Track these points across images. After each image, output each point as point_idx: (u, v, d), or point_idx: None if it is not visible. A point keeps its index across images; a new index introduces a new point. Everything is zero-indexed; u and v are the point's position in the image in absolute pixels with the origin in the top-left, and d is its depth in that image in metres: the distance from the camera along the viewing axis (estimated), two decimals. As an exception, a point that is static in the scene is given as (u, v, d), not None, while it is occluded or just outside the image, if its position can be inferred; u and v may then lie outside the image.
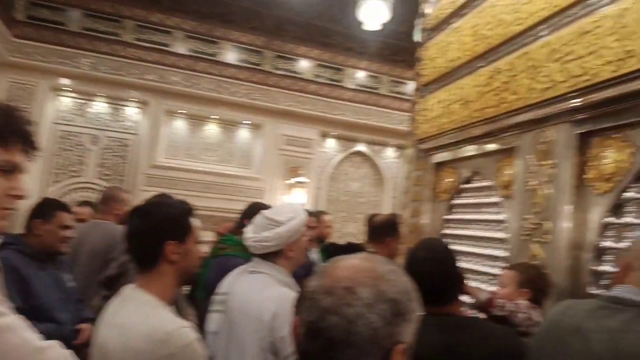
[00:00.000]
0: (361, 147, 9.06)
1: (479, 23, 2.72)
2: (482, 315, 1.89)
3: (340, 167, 9.07)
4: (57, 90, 7.30)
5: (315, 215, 4.64)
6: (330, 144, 8.91)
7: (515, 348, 1.49)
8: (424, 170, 3.38)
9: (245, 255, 2.45)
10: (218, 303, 1.98)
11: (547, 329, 1.39)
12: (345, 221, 9.04)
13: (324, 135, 8.75)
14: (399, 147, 9.00)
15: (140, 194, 7.18)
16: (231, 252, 2.80)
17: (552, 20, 2.17)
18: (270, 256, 1.91)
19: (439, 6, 3.25)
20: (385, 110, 8.64)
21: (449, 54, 3.02)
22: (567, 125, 2.08)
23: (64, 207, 2.62)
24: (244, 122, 8.21)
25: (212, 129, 8.14)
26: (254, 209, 2.94)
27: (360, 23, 6.68)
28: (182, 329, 1.33)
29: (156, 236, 1.44)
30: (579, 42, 1.98)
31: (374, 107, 8.63)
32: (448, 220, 3.15)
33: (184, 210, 1.54)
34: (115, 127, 7.58)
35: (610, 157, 1.93)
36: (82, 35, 7.11)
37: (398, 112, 8.44)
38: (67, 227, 2.54)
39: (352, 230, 8.87)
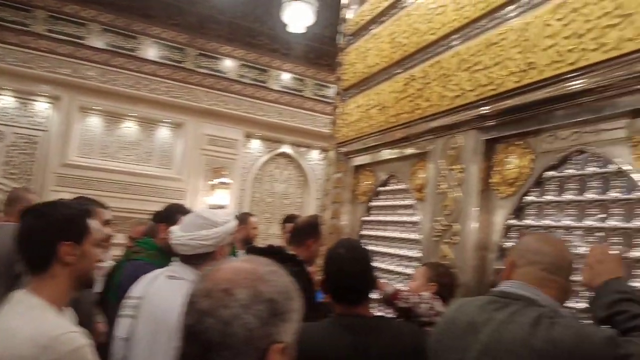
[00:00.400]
0: (286, 149, 9.07)
1: (396, 31, 2.80)
2: (387, 308, 1.99)
3: (265, 168, 9.02)
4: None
5: (241, 217, 4.60)
6: (255, 144, 8.83)
7: (423, 345, 1.54)
8: (344, 172, 3.42)
9: (158, 261, 2.36)
10: (129, 308, 1.88)
11: (443, 326, 1.46)
12: (270, 223, 9.00)
13: (249, 136, 8.66)
14: (324, 150, 9.09)
15: (50, 195, 6.72)
16: (145, 256, 2.69)
17: (463, 31, 2.28)
18: (197, 258, 1.84)
19: (359, 12, 3.30)
20: (309, 112, 8.72)
21: (368, 59, 3.08)
22: (474, 132, 2.18)
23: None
24: (164, 120, 7.94)
25: (130, 127, 7.79)
26: (170, 211, 2.85)
27: (285, 25, 6.69)
28: (70, 333, 1.26)
29: (49, 236, 1.37)
30: (486, 53, 2.08)
31: (299, 109, 8.68)
32: (366, 222, 3.20)
33: (81, 211, 1.48)
34: (23, 123, 7.04)
35: (513, 162, 2.04)
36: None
37: (322, 115, 8.54)
38: None
39: (276, 231, 8.82)
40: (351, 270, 1.61)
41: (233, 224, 1.96)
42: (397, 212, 2.90)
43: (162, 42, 7.66)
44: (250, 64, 8.35)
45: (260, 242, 8.54)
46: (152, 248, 2.74)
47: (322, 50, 8.31)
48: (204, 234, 1.84)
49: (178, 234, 1.88)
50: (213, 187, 7.97)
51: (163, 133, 8.04)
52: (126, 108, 7.57)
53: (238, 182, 8.41)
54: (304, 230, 2.83)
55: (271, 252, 2.69)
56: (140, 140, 7.86)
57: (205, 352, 0.79)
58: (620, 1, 1.53)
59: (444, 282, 2.09)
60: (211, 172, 8.08)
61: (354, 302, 1.63)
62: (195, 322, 0.80)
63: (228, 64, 8.16)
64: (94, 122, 7.55)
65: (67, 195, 6.84)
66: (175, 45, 7.74)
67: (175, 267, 1.92)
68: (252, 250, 4.07)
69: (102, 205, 2.69)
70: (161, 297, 1.82)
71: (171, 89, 7.66)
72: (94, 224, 1.50)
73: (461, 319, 1.39)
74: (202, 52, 7.94)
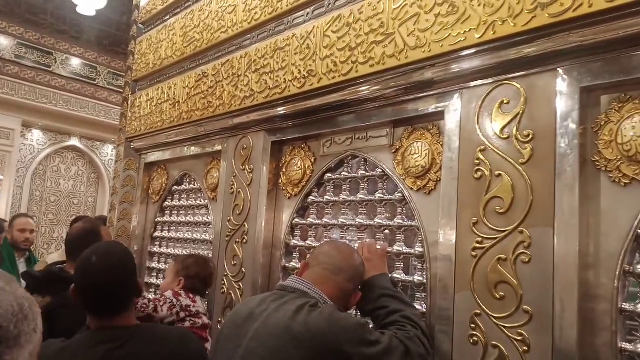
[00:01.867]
0: (75, 142, 8.15)
1: (188, 24, 2.71)
2: None
3: (47, 162, 7.96)
4: None
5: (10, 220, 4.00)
6: (36, 135, 7.74)
7: (186, 349, 1.53)
8: (135, 169, 3.20)
9: None
10: None
11: (228, 318, 1.53)
12: (54, 225, 8.00)
13: (28, 126, 7.54)
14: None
15: None
16: None
17: (252, 32, 2.30)
18: None
19: (152, 1, 3.12)
20: (103, 103, 7.98)
21: (161, 51, 2.93)
22: (264, 133, 2.23)
23: None
24: None
25: None
26: None
27: (75, 5, 6.00)
28: None
29: None
30: (274, 56, 2.13)
31: (91, 99, 7.87)
32: (159, 223, 3.04)
33: None
34: None
35: (297, 164, 2.14)
36: None
37: (118, 107, 7.89)
38: None
39: (63, 235, 7.88)
40: (106, 282, 1.44)
41: None
42: (192, 213, 2.82)
43: None
44: (31, 44, 7.27)
45: (42, 248, 7.53)
46: None
47: (119, 37, 7.67)
48: None
49: None
50: (-21, 183, 6.75)
51: None
52: None
53: (13, 178, 7.26)
54: (79, 242, 2.24)
55: (48, 279, 2.27)
56: None
57: None
58: (384, 20, 1.70)
59: (191, 274, 2.15)
60: (-23, 166, 6.83)
61: (111, 314, 1.47)
62: None
63: (2, 42, 6.97)
64: None
65: None
66: None
67: None
68: (27, 276, 3.39)
69: None
70: None
71: None
72: None
73: (243, 310, 1.46)
74: (-37, 23, 6.65)
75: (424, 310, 1.60)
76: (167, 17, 2.97)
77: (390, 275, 1.65)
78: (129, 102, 3.24)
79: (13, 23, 7.02)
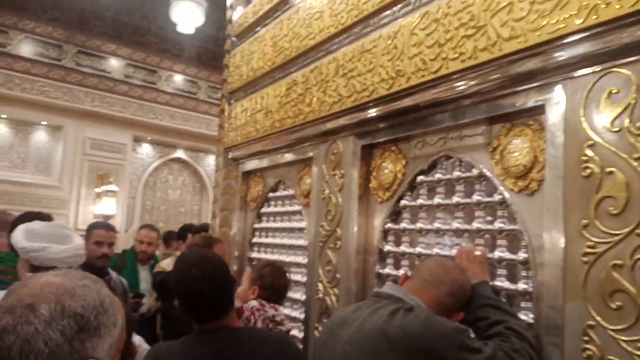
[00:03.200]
0: (180, 154, 8.72)
1: (278, 34, 2.77)
2: None
3: (157, 174, 8.59)
4: None
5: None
6: (146, 149, 8.39)
7: (286, 351, 1.62)
8: (234, 178, 3.33)
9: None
10: None
11: (325, 326, 1.58)
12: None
13: (138, 140, 8.20)
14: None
15: None
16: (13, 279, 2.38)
17: (339, 37, 2.29)
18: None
19: (243, 14, 3.23)
20: (204, 116, 8.45)
21: (253, 62, 3.02)
22: (353, 137, 2.21)
23: None
24: (40, 122, 7.26)
25: (0, 130, 7.03)
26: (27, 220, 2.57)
27: (175, 24, 6.43)
28: None
29: None
30: (360, 59, 2.11)
31: (193, 112, 8.38)
32: (257, 229, 3.14)
33: None
34: None
35: (388, 168, 2.09)
36: None
37: (218, 119, 8.32)
38: None
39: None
40: (210, 290, 1.54)
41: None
42: (287, 218, 2.87)
43: (37, 37, 7.00)
44: (138, 64, 7.91)
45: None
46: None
47: (216, 52, 8.09)
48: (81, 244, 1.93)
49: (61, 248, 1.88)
50: (99, 195, 7.43)
51: (39, 136, 7.36)
52: (-5, 109, 6.82)
53: (127, 189, 7.92)
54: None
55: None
56: (13, 145, 7.12)
57: None
58: (474, 13, 1.61)
59: (266, 283, 2.15)
60: (96, 178, 7.53)
61: (217, 319, 1.57)
62: None
63: (113, 64, 7.66)
64: (-44, 124, 6.73)
65: None
66: (52, 41, 7.11)
67: None
68: (157, 274, 3.78)
69: None
70: None
71: (48, 89, 7.02)
72: None
73: (338, 317, 1.50)
74: (82, 49, 7.37)
75: (530, 320, 1.48)
76: (258, 28, 3.06)
77: (491, 284, 1.55)
78: (226, 114, 3.38)
79: (121, 45, 7.69)
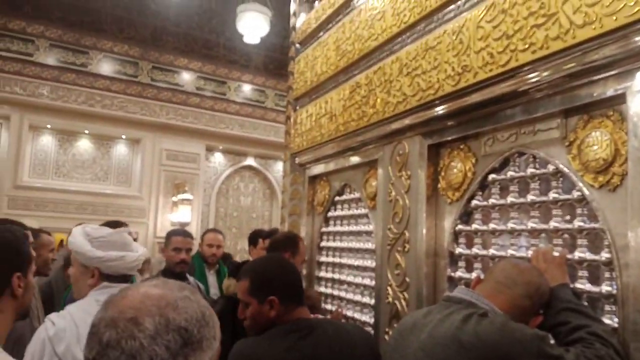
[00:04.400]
0: (250, 161, 8.96)
1: (340, 38, 2.77)
2: None
3: (229, 182, 8.89)
4: None
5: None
6: (218, 158, 8.70)
7: (367, 339, 1.79)
8: (301, 183, 3.36)
9: None
10: None
11: (394, 331, 1.55)
12: (237, 237, 8.86)
13: (210, 149, 8.53)
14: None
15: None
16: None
17: (402, 36, 2.26)
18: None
19: (306, 20, 3.27)
20: (272, 123, 8.65)
21: (317, 67, 3.05)
22: (419, 137, 2.16)
23: None
24: (120, 136, 7.74)
25: (84, 145, 7.57)
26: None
27: (242, 36, 6.63)
28: None
29: (3, 268, 1.26)
30: (425, 57, 2.06)
31: (261, 121, 8.60)
32: (324, 233, 3.15)
33: (24, 238, 1.36)
34: (-30, 146, 6.78)
35: (457, 167, 2.02)
36: None
37: (284, 126, 8.47)
38: None
39: (245, 246, 8.67)
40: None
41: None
42: (353, 222, 2.86)
43: (115, 56, 7.48)
44: (208, 76, 8.24)
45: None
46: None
47: (282, 60, 8.27)
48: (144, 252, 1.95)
49: (133, 255, 1.91)
50: (175, 203, 7.79)
51: (120, 150, 7.84)
52: (80, 125, 7.35)
53: (201, 197, 8.25)
54: (280, 244, 2.75)
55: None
56: (96, 158, 7.65)
57: None
58: (544, 1, 1.52)
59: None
60: (172, 187, 7.90)
61: (302, 304, 1.76)
62: (97, 354, 0.73)
63: (185, 77, 8.03)
64: (47, 140, 7.31)
65: (21, 219, 6.59)
66: (128, 59, 7.57)
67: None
68: (230, 264, 3.96)
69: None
70: None
71: (126, 104, 7.48)
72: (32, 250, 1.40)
73: (408, 321, 1.46)
74: (156, 65, 7.78)
75: (615, 325, 1.36)
76: (321, 33, 3.08)
77: (571, 286, 1.46)
78: (292, 120, 3.43)
79: (192, 59, 8.05)
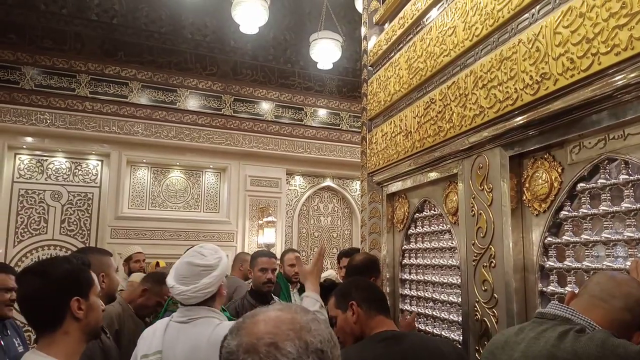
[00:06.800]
0: (329, 182, 9.10)
1: (412, 56, 2.79)
2: None
3: (309, 203, 9.07)
4: (15, 148, 7.18)
5: (282, 254, 4.54)
6: (298, 181, 8.93)
7: (452, 346, 1.91)
8: (379, 201, 3.38)
9: None
10: None
11: (485, 349, 1.51)
12: (320, 258, 8.95)
13: (291, 173, 8.77)
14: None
15: (107, 248, 7.03)
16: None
17: (475, 49, 2.24)
18: (204, 302, 1.89)
19: (377, 42, 3.33)
20: (347, 144, 8.75)
21: (389, 87, 3.08)
22: (499, 149, 2.11)
23: (4, 270, 2.57)
24: (208, 166, 8.19)
25: (176, 176, 8.09)
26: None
27: (315, 63, 6.83)
28: None
29: (59, 294, 1.40)
30: (500, 68, 2.03)
31: (337, 143, 8.73)
32: (406, 250, 3.13)
33: (83, 265, 1.52)
34: (77, 182, 7.46)
35: (542, 177, 1.95)
36: (36, 92, 7.05)
37: (360, 146, 8.53)
38: (9, 290, 2.51)
39: (328, 265, 8.77)
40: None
41: (225, 260, 2.04)
42: (435, 238, 2.82)
43: (200, 92, 7.97)
44: (286, 104, 8.53)
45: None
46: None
47: (354, 83, 8.40)
48: (207, 282, 1.88)
49: (181, 288, 1.90)
50: (261, 226, 8.07)
51: (208, 178, 8.28)
52: (171, 158, 7.87)
53: (284, 219, 8.48)
54: (363, 269, 2.78)
55: (329, 288, 2.69)
56: (187, 188, 8.13)
57: None
58: (626, 0, 1.46)
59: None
60: (257, 211, 8.20)
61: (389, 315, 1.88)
62: None
63: (264, 106, 8.38)
64: (143, 174, 7.89)
65: (122, 247, 7.15)
66: (212, 93, 8.04)
67: (187, 312, 1.93)
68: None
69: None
70: (187, 341, 1.84)
71: (212, 136, 7.91)
72: (94, 275, 1.54)
73: (499, 339, 1.42)
74: (237, 97, 8.19)
75: None
76: (392, 54, 3.13)
77: (678, 298, 1.35)
78: (367, 140, 3.47)
79: (270, 89, 8.39)
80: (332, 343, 0.82)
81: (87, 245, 7.21)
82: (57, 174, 7.39)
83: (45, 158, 7.35)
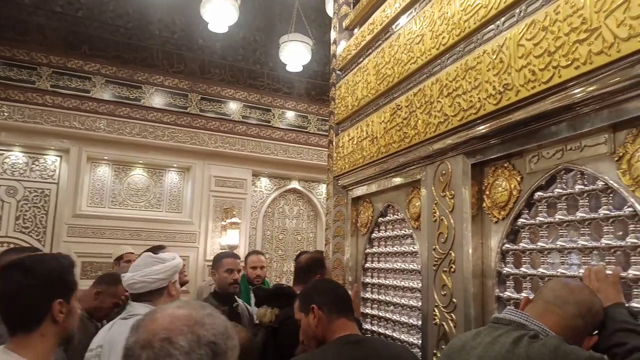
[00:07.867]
0: (295, 185, 9.08)
1: (380, 62, 2.82)
2: None
3: (274, 205, 9.02)
4: (-32, 141, 6.88)
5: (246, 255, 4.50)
6: (264, 182, 8.87)
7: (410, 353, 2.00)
8: (344, 205, 3.39)
9: None
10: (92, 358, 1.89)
11: (443, 353, 1.56)
12: (283, 259, 8.94)
13: (256, 175, 8.71)
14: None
15: (63, 246, 6.80)
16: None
17: (441, 57, 2.28)
18: (149, 295, 1.92)
19: (346, 47, 3.35)
20: (315, 147, 8.76)
21: (357, 92, 3.10)
22: (462, 157, 2.16)
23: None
24: (172, 165, 8.04)
25: (138, 174, 7.90)
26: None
27: (284, 65, 6.82)
28: None
29: (44, 294, 1.33)
30: (465, 77, 2.07)
31: (304, 145, 8.73)
32: (369, 254, 3.15)
33: (70, 266, 1.45)
34: (33, 177, 7.20)
35: (502, 185, 2.00)
36: (-7, 84, 6.77)
37: (327, 149, 8.56)
38: None
39: (291, 268, 8.73)
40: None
41: (179, 260, 2.13)
42: (397, 243, 2.85)
43: (166, 89, 7.83)
44: (254, 105, 8.48)
45: (275, 281, 8.47)
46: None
47: (323, 86, 8.42)
48: (156, 269, 1.98)
49: (129, 275, 1.99)
50: (224, 227, 7.97)
51: (171, 178, 8.13)
52: (134, 156, 7.69)
53: (248, 221, 8.40)
54: (307, 268, 2.82)
55: (277, 294, 2.69)
56: (150, 186, 7.95)
57: None
58: (585, 16, 1.51)
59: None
60: (221, 212, 8.10)
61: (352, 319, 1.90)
62: None
63: (231, 106, 8.30)
64: (103, 171, 7.68)
65: (79, 245, 6.93)
66: (179, 91, 7.91)
67: (129, 308, 1.99)
68: (259, 290, 4.06)
69: None
70: (120, 340, 1.83)
71: (177, 134, 7.78)
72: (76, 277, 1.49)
73: (456, 344, 1.45)
74: (205, 96, 8.09)
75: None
76: (361, 59, 3.15)
77: (627, 305, 1.40)
78: (334, 144, 3.48)
79: (238, 89, 8.32)
80: (227, 335, 0.88)
81: (43, 243, 6.97)
82: (13, 169, 7.11)
83: (1, 152, 7.06)
